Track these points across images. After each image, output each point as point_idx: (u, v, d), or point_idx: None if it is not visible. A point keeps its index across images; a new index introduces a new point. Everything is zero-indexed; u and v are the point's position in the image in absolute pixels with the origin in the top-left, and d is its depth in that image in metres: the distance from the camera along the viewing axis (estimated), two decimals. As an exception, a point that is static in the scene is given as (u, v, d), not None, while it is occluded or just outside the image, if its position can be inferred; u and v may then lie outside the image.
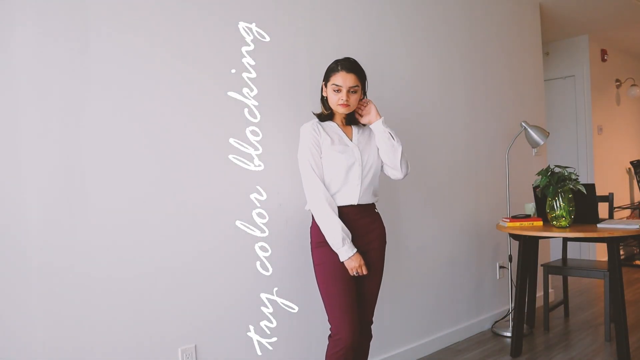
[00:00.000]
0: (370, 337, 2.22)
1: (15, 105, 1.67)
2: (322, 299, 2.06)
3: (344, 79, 2.02)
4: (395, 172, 2.15)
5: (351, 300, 2.02)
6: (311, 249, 2.11)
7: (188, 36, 2.08)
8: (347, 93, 2.03)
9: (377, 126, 2.10)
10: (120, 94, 1.90)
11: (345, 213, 2.05)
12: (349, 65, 2.05)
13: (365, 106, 2.14)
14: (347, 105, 2.05)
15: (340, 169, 2.04)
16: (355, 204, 2.06)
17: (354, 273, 2.00)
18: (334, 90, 2.04)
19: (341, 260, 1.99)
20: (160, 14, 2.01)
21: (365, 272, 2.01)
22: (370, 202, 2.12)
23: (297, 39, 2.45)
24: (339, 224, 1.98)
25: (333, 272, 2.02)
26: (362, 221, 2.08)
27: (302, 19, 2.48)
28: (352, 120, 2.16)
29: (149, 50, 1.97)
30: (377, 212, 2.18)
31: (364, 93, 2.12)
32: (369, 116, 2.12)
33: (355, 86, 2.03)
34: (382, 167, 2.18)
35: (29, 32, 1.70)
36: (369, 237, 2.10)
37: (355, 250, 1.99)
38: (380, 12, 2.87)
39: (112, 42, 1.88)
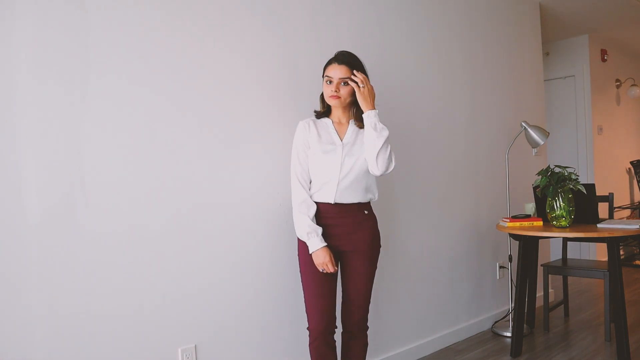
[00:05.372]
0: (362, 342, 2.18)
1: (14, 105, 1.67)
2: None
3: (335, 71, 2.04)
4: (371, 167, 2.03)
5: (324, 292, 2.05)
6: (297, 244, 2.15)
7: (189, 37, 2.08)
8: (337, 85, 2.03)
9: (366, 116, 2.03)
10: (122, 94, 1.90)
11: (323, 210, 2.07)
12: (342, 57, 2.06)
13: (362, 88, 2.01)
14: (338, 97, 2.04)
15: (320, 168, 2.06)
16: (332, 202, 2.06)
17: (321, 269, 2.01)
18: (327, 82, 2.06)
19: (309, 252, 2.03)
20: (161, 13, 2.01)
21: (331, 270, 2.00)
22: (354, 202, 2.08)
23: (297, 38, 2.45)
24: (306, 220, 2.03)
25: (309, 265, 2.05)
26: (343, 220, 2.07)
27: (302, 17, 2.48)
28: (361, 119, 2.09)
29: (150, 53, 1.97)
30: (369, 214, 2.14)
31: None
32: (363, 102, 2.02)
33: (346, 78, 2.02)
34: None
35: (28, 30, 1.70)
36: (353, 237, 2.08)
37: (322, 245, 2.00)
38: (380, 13, 2.86)
39: (112, 44, 1.88)
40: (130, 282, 1.91)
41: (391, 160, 2.04)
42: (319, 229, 2.03)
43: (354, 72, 2.02)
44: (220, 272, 2.15)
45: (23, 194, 1.68)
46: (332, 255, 2.02)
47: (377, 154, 2.00)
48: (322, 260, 2.00)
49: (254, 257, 2.26)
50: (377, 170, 2.03)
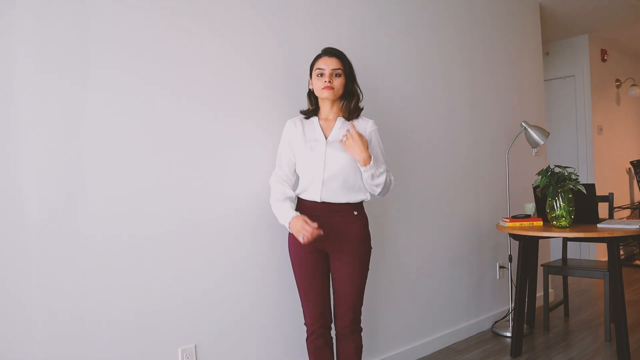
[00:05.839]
0: (355, 343, 2.11)
1: (13, 105, 1.67)
2: None
3: (326, 62, 2.05)
4: (373, 194, 2.12)
5: (317, 288, 2.07)
6: (288, 242, 2.16)
7: (189, 38, 2.08)
8: (330, 76, 2.03)
9: (363, 171, 2.00)
10: (122, 96, 1.90)
11: (312, 209, 2.05)
12: (331, 50, 2.10)
13: (351, 138, 1.97)
14: (331, 88, 2.03)
15: (305, 166, 2.06)
16: (319, 201, 2.04)
17: (301, 238, 1.91)
18: (318, 76, 2.06)
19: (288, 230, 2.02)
20: (163, 12, 2.01)
21: (309, 231, 1.88)
22: (343, 202, 2.05)
23: (296, 37, 2.45)
24: (276, 204, 2.04)
25: (299, 262, 2.07)
26: (331, 221, 2.03)
27: (303, 16, 2.48)
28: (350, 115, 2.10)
29: (151, 56, 1.97)
30: (359, 215, 2.09)
31: (354, 83, 2.11)
32: (356, 154, 1.98)
33: (338, 69, 2.04)
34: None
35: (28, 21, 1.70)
36: (342, 238, 2.04)
37: (293, 214, 1.97)
38: (380, 13, 2.86)
39: (113, 44, 1.88)
40: (131, 283, 1.91)
41: (389, 187, 2.11)
42: (286, 203, 2.01)
43: (347, 130, 2.02)
44: (220, 272, 2.15)
45: (23, 198, 1.68)
46: (305, 219, 1.92)
47: (377, 193, 2.09)
48: (298, 228, 1.92)
49: (254, 258, 2.26)
50: (378, 196, 2.12)
